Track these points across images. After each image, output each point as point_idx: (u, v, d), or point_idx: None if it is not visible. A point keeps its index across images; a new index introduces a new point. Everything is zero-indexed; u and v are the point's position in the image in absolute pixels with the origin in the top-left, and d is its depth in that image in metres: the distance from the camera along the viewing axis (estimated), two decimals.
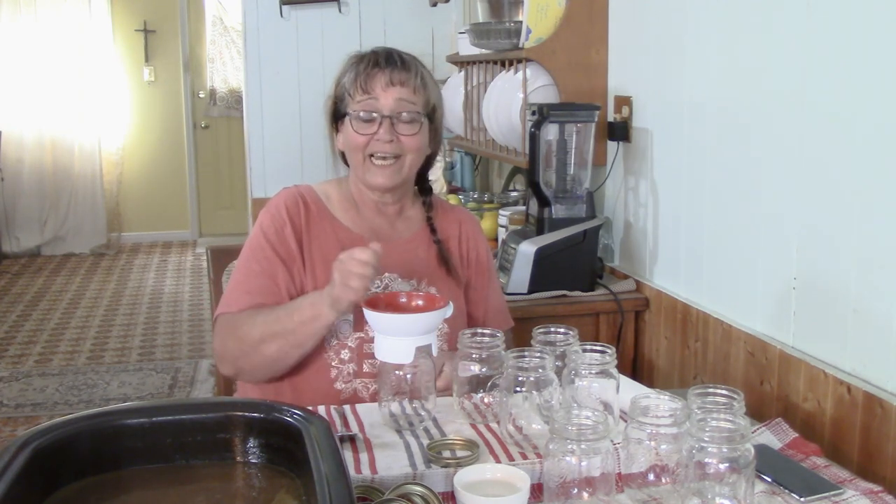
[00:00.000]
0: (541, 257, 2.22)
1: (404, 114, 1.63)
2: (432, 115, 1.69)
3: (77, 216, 7.29)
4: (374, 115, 1.62)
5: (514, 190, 3.24)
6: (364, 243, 1.67)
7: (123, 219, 7.62)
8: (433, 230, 1.74)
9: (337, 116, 1.69)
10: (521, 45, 2.50)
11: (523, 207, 2.60)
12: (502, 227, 2.62)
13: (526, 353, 1.35)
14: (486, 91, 2.71)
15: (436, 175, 3.16)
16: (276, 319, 1.56)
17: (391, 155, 1.63)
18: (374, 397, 1.59)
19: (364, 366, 1.61)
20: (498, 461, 1.30)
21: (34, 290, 6.10)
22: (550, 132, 2.28)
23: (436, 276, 1.70)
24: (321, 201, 1.71)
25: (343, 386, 1.60)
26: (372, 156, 1.64)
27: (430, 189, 1.80)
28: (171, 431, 1.03)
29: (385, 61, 1.64)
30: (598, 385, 1.35)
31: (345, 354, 1.60)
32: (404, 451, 1.33)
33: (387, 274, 1.66)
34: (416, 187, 1.79)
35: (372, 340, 1.60)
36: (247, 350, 1.59)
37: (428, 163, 1.76)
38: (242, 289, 1.63)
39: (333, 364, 1.60)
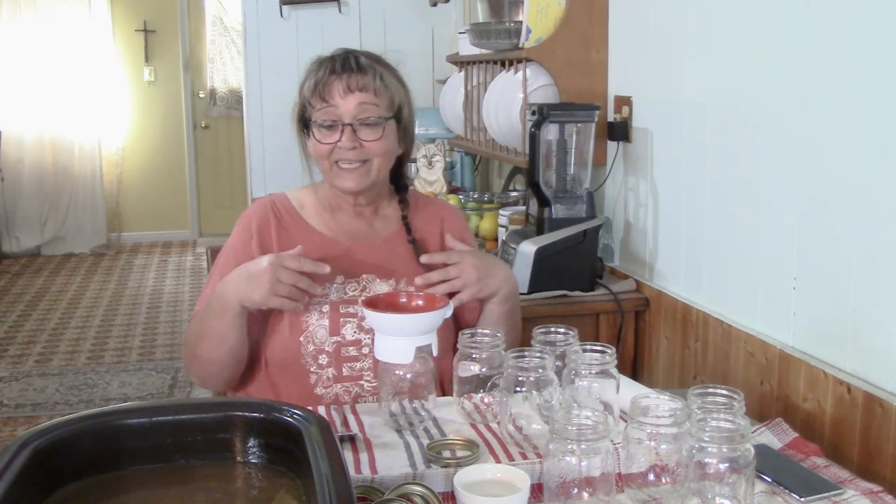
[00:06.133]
0: (541, 257, 2.22)
1: (366, 119, 1.60)
2: (399, 114, 1.66)
3: (77, 216, 7.30)
4: (335, 122, 1.60)
5: (514, 190, 3.24)
6: (339, 248, 1.67)
7: (123, 219, 7.63)
8: (408, 229, 1.72)
9: (304, 122, 1.67)
10: (521, 45, 2.50)
11: (523, 207, 2.60)
12: (502, 227, 2.62)
13: (526, 353, 1.35)
14: (486, 91, 2.71)
15: (436, 175, 3.15)
16: (200, 321, 1.61)
17: (356, 160, 1.61)
18: (356, 401, 1.59)
19: (343, 370, 1.60)
20: (498, 461, 1.30)
21: (34, 290, 6.10)
22: (550, 132, 2.28)
23: (415, 275, 1.65)
24: (294, 209, 1.71)
25: (323, 391, 1.60)
26: (337, 162, 1.62)
27: (406, 186, 1.78)
28: (171, 431, 1.03)
29: (341, 67, 1.61)
30: (598, 385, 1.34)
31: (323, 359, 1.60)
32: (404, 451, 1.33)
33: (364, 275, 1.66)
34: (391, 185, 1.76)
35: (349, 344, 1.61)
36: (191, 356, 1.65)
37: (401, 162, 1.74)
38: (204, 301, 1.66)
39: (312, 370, 1.60)
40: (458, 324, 1.67)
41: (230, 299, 1.53)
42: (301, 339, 1.60)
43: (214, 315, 1.56)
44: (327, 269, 1.54)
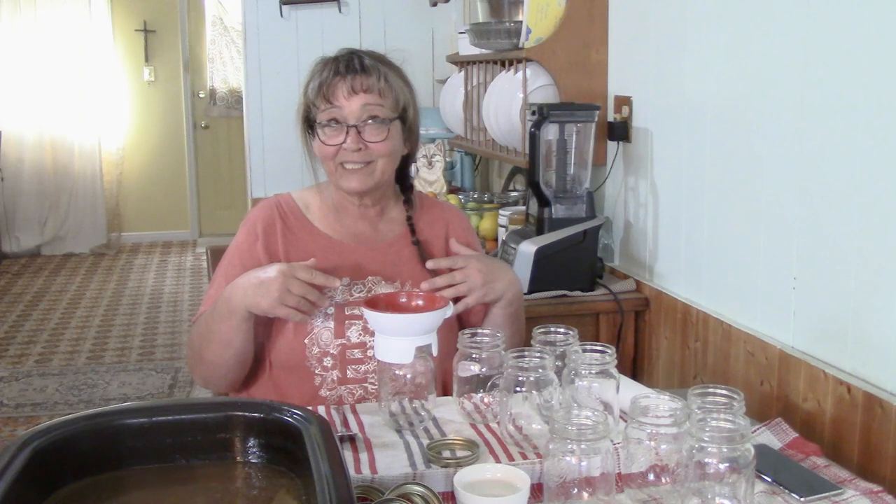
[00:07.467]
0: (541, 257, 2.22)
1: (371, 120, 1.59)
2: (404, 114, 1.65)
3: (77, 216, 7.30)
4: (340, 124, 1.60)
5: (514, 190, 3.24)
6: (345, 250, 1.67)
7: (123, 219, 7.63)
8: (413, 231, 1.71)
9: (309, 123, 1.66)
10: (521, 45, 2.50)
11: (523, 207, 2.60)
12: (502, 227, 2.62)
13: (526, 353, 1.35)
14: (486, 91, 2.71)
15: (436, 175, 3.16)
16: (205, 323, 1.60)
17: (361, 161, 1.61)
18: (359, 402, 1.59)
19: (348, 372, 1.60)
20: (498, 461, 1.30)
21: (34, 290, 6.10)
22: (550, 132, 2.28)
23: (420, 277, 1.65)
24: (299, 210, 1.70)
25: (328, 393, 1.60)
26: (342, 163, 1.62)
27: (412, 187, 1.77)
28: (171, 431, 1.03)
29: (346, 68, 1.60)
30: (598, 385, 1.34)
31: (327, 362, 1.60)
32: (404, 451, 1.33)
33: (370, 277, 1.66)
34: (397, 186, 1.76)
35: (354, 346, 1.61)
36: (196, 358, 1.64)
37: (405, 162, 1.73)
38: (208, 303, 1.65)
39: (317, 372, 1.60)
40: (462, 326, 1.66)
41: (237, 304, 1.52)
42: (306, 341, 1.60)
43: (220, 318, 1.55)
44: (338, 283, 1.54)
